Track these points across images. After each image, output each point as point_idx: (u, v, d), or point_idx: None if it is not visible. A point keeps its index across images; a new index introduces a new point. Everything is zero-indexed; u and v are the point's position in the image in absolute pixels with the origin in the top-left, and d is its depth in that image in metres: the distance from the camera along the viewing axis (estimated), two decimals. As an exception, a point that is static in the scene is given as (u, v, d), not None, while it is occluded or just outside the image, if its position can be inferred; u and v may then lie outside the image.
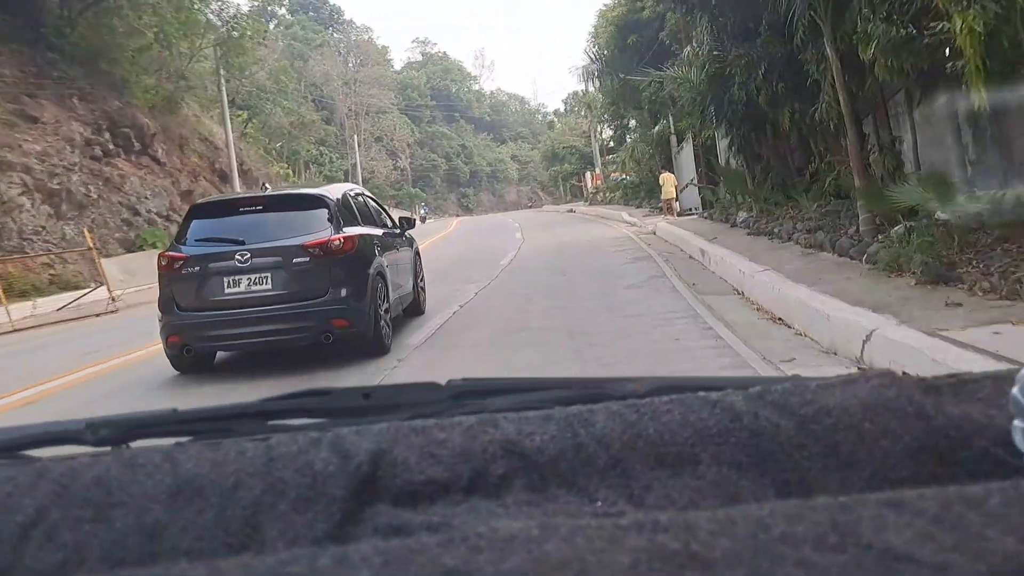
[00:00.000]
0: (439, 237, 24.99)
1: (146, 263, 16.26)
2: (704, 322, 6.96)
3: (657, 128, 23.89)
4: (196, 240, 6.48)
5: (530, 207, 76.03)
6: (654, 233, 17.48)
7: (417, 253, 9.01)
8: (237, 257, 6.20)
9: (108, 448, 0.74)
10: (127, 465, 0.61)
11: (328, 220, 6.47)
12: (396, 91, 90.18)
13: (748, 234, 11.87)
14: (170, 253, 6.53)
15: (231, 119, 41.99)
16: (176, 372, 6.55)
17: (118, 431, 0.77)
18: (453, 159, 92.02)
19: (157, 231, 22.72)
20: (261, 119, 46.07)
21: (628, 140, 29.31)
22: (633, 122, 26.88)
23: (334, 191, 7.14)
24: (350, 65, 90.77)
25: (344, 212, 6.81)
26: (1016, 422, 0.56)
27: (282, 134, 46.85)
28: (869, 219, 7.93)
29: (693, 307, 7.77)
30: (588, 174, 45.18)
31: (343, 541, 0.53)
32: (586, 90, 37.52)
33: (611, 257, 13.63)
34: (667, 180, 21.98)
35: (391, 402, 0.81)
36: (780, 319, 6.64)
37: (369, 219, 7.54)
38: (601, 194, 37.05)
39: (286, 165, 51.27)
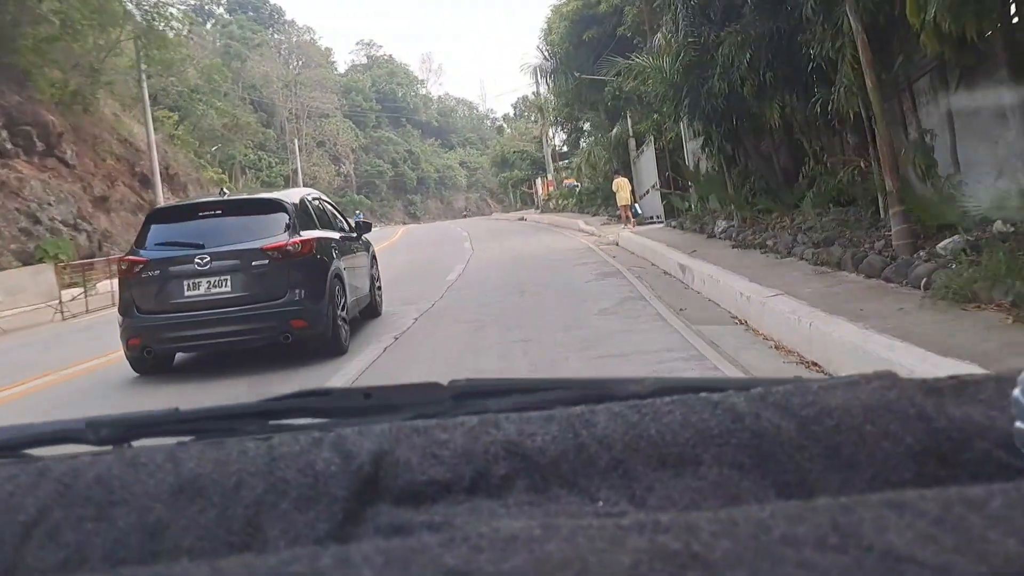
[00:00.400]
0: (381, 248, 22.99)
1: (32, 281, 13.94)
2: (714, 366, 5.28)
3: (615, 131, 22.37)
4: (156, 244, 6.56)
5: (465, 216, 74.45)
6: (616, 244, 15.88)
7: (373, 257, 9.19)
8: (197, 260, 6.31)
9: (110, 447, 0.74)
10: (129, 464, 0.61)
11: (286, 224, 6.58)
12: (340, 94, 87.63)
13: (733, 247, 10.28)
14: (130, 257, 6.62)
15: (160, 121, 39.28)
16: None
17: (120, 430, 0.77)
18: (399, 165, 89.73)
19: (62, 241, 20.24)
20: (193, 121, 43.35)
21: (583, 144, 27.77)
22: (588, 125, 25.28)
23: (292, 195, 7.27)
24: (292, 67, 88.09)
25: (302, 216, 6.90)
26: (1018, 424, 0.55)
27: (216, 137, 44.15)
28: (905, 231, 6.35)
29: (691, 343, 6.06)
30: (539, 180, 43.51)
31: (345, 541, 0.53)
32: (537, 92, 36.05)
33: (574, 272, 11.92)
34: (621, 186, 20.45)
35: (393, 402, 0.81)
36: (815, 364, 4.99)
37: (327, 223, 7.64)
38: (553, 201, 35.48)
39: (221, 170, 48.63)
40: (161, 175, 29.16)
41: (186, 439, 0.72)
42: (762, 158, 11.68)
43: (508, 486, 0.59)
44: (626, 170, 22.93)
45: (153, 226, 6.77)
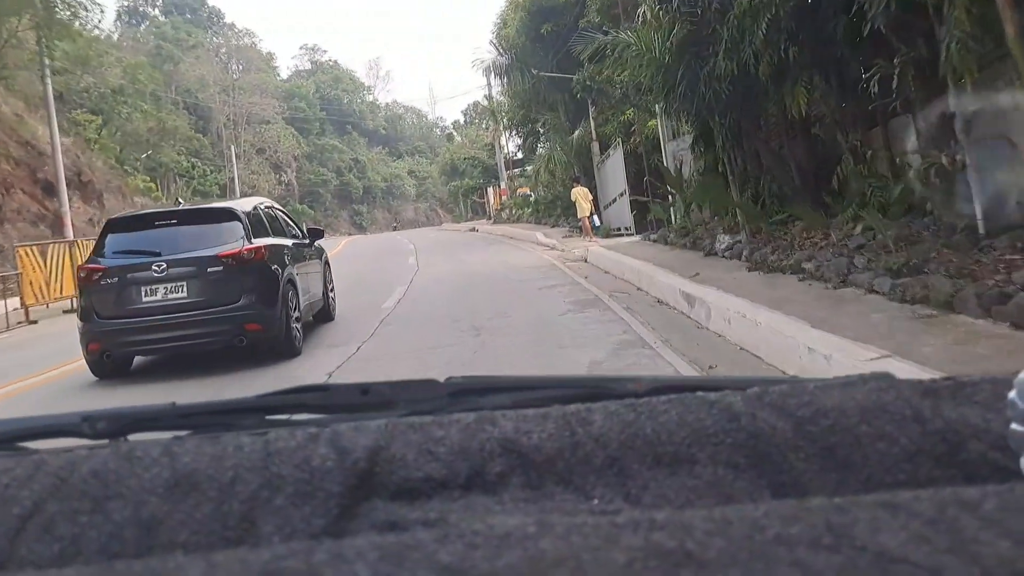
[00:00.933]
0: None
1: None
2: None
3: (576, 133, 20.16)
4: (114, 252, 6.81)
5: (395, 228, 72.03)
6: (585, 260, 13.59)
7: (327, 263, 9.43)
8: (154, 267, 6.59)
9: (106, 441, 0.73)
10: (125, 458, 0.61)
11: (240, 231, 6.86)
12: (281, 100, 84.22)
13: (751, 269, 8.03)
14: (88, 265, 6.89)
15: (81, 125, 35.63)
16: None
17: (116, 424, 0.77)
18: (345, 174, 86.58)
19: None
20: (116, 124, 39.91)
21: (540, 150, 25.50)
22: (545, 128, 22.99)
23: (245, 204, 7.67)
24: (231, 72, 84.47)
25: (255, 224, 7.17)
26: (1013, 426, 0.55)
27: (141, 142, 40.73)
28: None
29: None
30: (491, 189, 41.11)
31: (340, 536, 0.53)
32: (490, 95, 33.75)
33: (542, 298, 9.54)
34: (580, 195, 18.25)
35: (389, 399, 0.81)
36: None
37: (279, 231, 7.85)
38: (507, 211, 33.16)
39: (148, 178, 45.19)
40: (72, 183, 25.94)
41: (182, 433, 0.72)
42: (774, 157, 9.51)
43: (504, 483, 0.58)
44: (588, 177, 20.72)
45: (110, 235, 6.97)
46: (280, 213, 8.53)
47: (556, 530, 0.43)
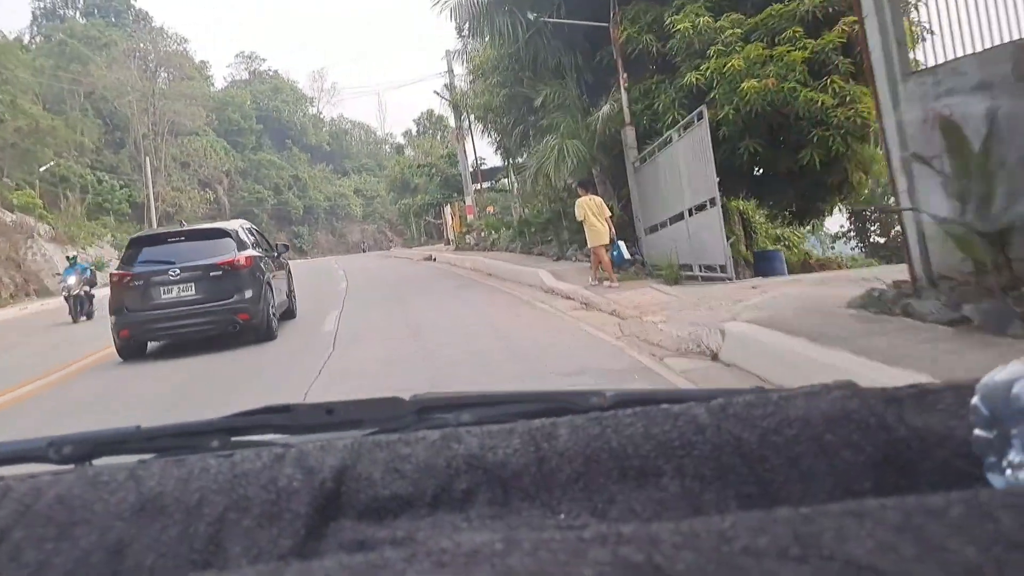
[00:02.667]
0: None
1: None
2: None
3: (604, 109, 12.69)
4: (139, 262, 9.11)
5: (363, 251, 64.32)
6: (714, 357, 5.96)
7: (289, 272, 11.91)
8: (170, 273, 8.91)
9: (71, 466, 0.73)
10: (90, 483, 0.61)
11: (232, 245, 9.28)
12: (213, 111, 75.60)
13: None
14: (119, 272, 9.23)
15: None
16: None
17: (81, 449, 0.77)
18: (283, 191, 78.05)
19: None
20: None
21: (526, 154, 17.95)
22: (542, 102, 15.24)
23: (233, 224, 10.19)
24: (161, 80, 75.77)
25: (241, 239, 9.62)
26: (976, 432, 0.55)
27: (7, 147, 32.14)
28: None
29: None
30: (449, 207, 33.14)
31: (307, 557, 0.53)
32: (451, 84, 26.24)
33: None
34: (589, 209, 10.92)
35: (355, 417, 0.81)
36: None
37: (258, 245, 10.31)
38: (473, 235, 25.50)
39: (33, 193, 36.51)
40: None
41: (148, 457, 0.71)
42: None
43: (470, 500, 0.58)
44: (614, 182, 13.34)
45: (135, 248, 9.43)
46: (256, 232, 11.11)
47: (523, 546, 0.43)
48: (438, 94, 26.59)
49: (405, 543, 0.54)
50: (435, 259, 24.95)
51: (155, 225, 50.80)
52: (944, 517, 0.43)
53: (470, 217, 26.93)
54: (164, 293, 8.85)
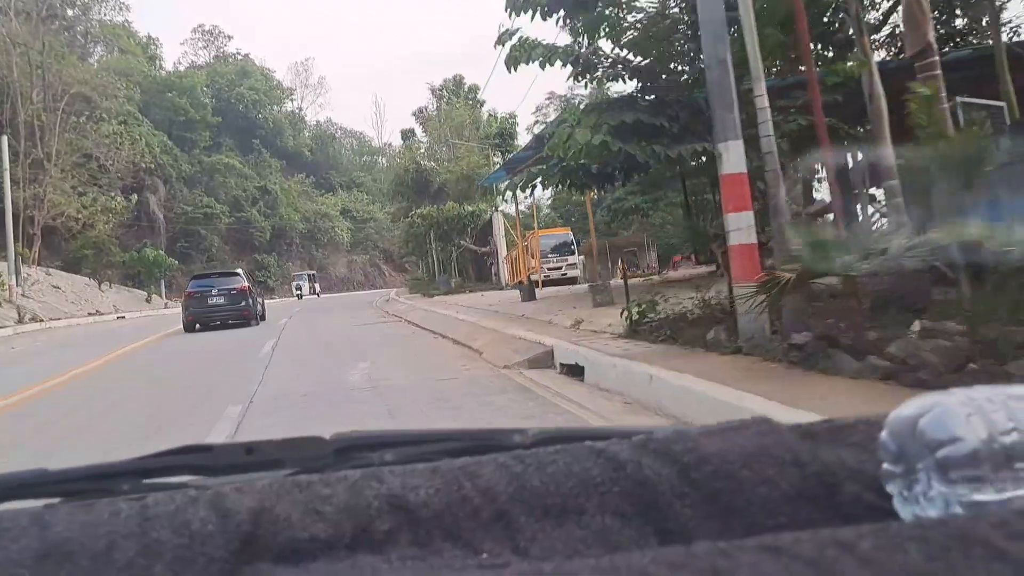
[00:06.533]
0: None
1: None
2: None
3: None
4: (195, 285, 19.59)
5: (351, 288, 45.10)
6: None
7: (260, 295, 22.69)
8: (212, 291, 18.95)
9: None
10: None
11: (243, 279, 19.97)
12: (152, 92, 56.47)
13: None
14: (189, 290, 19.48)
15: None
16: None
17: None
18: (245, 207, 58.64)
19: None
20: None
21: None
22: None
23: (240, 270, 21.65)
24: (96, 59, 56.96)
25: (247, 275, 21.47)
26: (885, 466, 0.57)
27: None
28: None
29: None
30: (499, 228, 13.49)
31: None
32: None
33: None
34: None
35: (275, 457, 0.81)
36: None
37: (250, 279, 21.36)
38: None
39: None
40: None
41: (54, 501, 0.70)
42: None
43: (391, 541, 0.58)
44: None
45: (194, 279, 20.51)
46: (248, 275, 22.74)
47: None
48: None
49: None
50: (543, 345, 6.53)
51: (13, 243, 32.69)
52: (855, 550, 0.44)
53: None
54: (209, 300, 18.79)
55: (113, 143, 43.42)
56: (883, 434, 0.57)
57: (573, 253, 27.45)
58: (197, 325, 18.44)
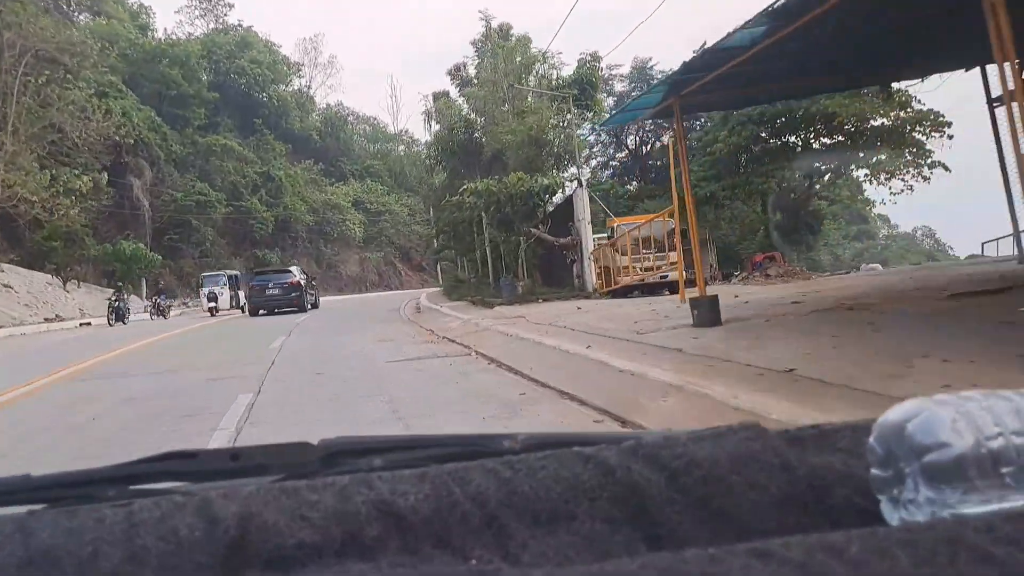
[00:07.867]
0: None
1: None
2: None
3: None
4: (257, 279, 28.24)
5: (374, 288, 38.70)
6: None
7: (314, 286, 31.78)
8: (269, 284, 27.09)
9: None
10: None
11: (297, 273, 28.23)
12: (140, 64, 49.39)
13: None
14: (251, 283, 28.44)
15: None
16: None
17: None
18: (245, 195, 51.38)
19: None
20: None
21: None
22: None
23: (294, 267, 31.62)
24: (79, 20, 50.06)
25: (299, 272, 29.25)
26: (873, 471, 0.58)
27: None
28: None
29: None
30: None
31: None
32: None
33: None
34: None
35: (261, 463, 0.80)
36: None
37: (303, 273, 29.51)
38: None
39: None
40: None
41: (38, 508, 0.69)
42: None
43: (380, 547, 0.58)
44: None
45: (257, 275, 29.17)
46: (302, 267, 34.29)
47: None
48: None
49: None
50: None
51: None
52: (844, 555, 0.45)
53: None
54: (267, 291, 25.79)
55: (81, 112, 36.08)
56: (871, 439, 0.57)
57: (674, 248, 20.05)
58: (261, 311, 25.96)
